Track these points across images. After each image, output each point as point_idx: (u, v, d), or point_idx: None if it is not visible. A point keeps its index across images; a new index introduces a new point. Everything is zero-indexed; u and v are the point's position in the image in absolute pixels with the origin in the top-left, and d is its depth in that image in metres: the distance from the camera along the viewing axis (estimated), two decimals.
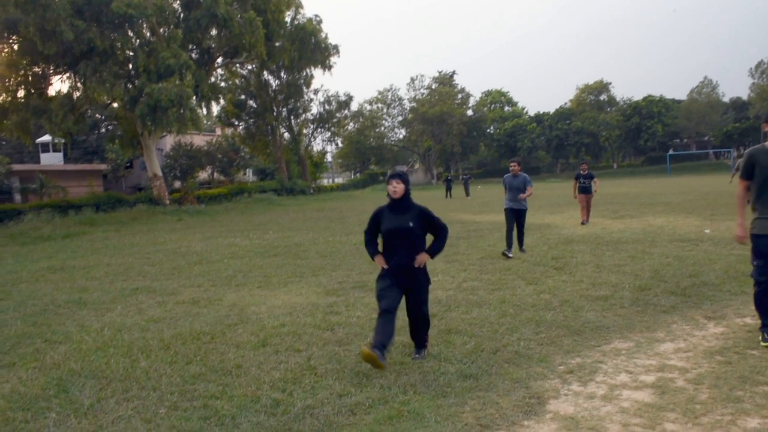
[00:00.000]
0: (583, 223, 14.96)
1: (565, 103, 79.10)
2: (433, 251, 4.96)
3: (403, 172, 5.04)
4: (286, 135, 47.82)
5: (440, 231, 4.99)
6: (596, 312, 6.12)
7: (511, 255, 10.15)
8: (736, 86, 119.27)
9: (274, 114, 44.75)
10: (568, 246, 11.13)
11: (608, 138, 75.00)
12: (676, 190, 30.36)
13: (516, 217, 10.57)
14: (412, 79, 79.87)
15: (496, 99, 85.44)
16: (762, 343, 4.81)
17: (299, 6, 36.79)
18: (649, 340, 5.13)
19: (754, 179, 4.92)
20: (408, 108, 74.34)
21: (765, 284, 4.86)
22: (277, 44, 35.01)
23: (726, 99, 76.37)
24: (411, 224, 4.87)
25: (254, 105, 44.77)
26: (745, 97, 72.58)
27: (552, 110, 77.75)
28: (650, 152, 74.35)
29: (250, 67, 40.90)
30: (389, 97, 75.22)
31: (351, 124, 67.83)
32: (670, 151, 71.23)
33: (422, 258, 4.92)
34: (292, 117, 47.65)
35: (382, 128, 75.24)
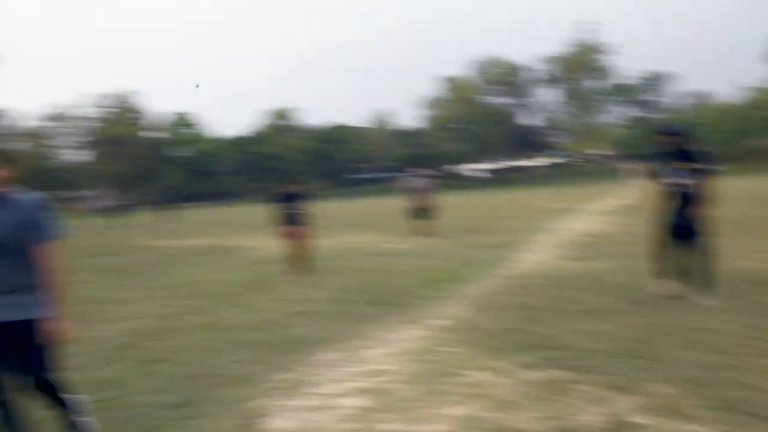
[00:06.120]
0: None
1: (260, 128, 79.21)
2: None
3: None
4: None
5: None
6: (301, 327, 6.00)
7: None
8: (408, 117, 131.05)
9: None
10: (266, 266, 10.84)
11: (299, 162, 76.72)
12: (371, 210, 31.49)
13: None
14: (92, 96, 71.70)
15: (182, 122, 77.52)
16: None
17: None
18: (356, 347, 5.17)
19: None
20: (88, 128, 67.57)
21: None
22: None
23: (401, 128, 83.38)
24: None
25: None
26: (419, 126, 79.62)
27: (247, 134, 78.04)
28: (340, 175, 78.88)
29: None
30: (65, 114, 67.22)
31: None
32: (359, 175, 76.96)
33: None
34: None
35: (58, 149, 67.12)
